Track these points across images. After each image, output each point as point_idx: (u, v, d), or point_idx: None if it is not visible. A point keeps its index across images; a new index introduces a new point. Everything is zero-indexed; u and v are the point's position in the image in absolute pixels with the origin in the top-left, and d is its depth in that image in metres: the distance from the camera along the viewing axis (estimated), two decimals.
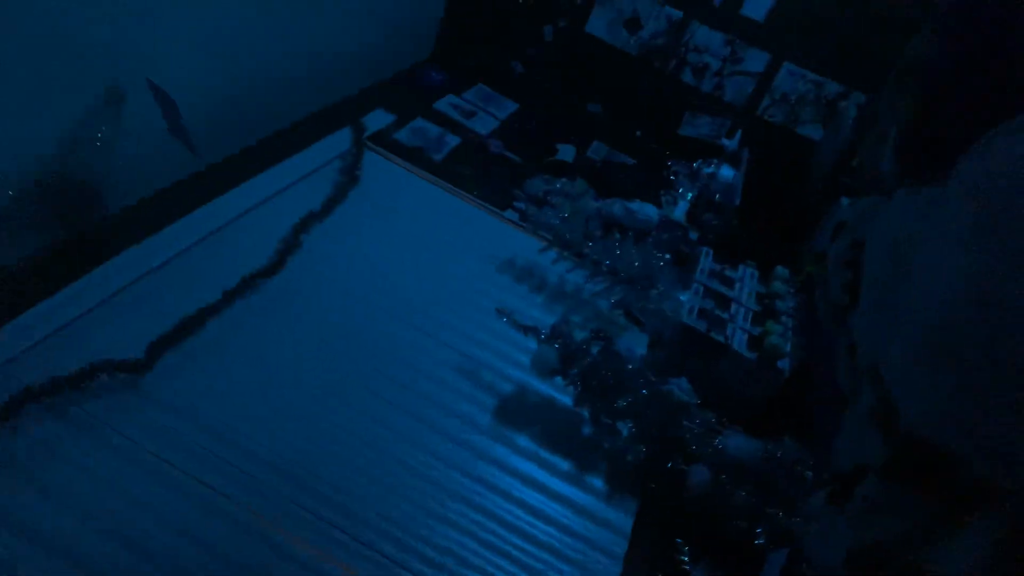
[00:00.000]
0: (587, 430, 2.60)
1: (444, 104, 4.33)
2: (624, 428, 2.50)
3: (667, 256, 3.11)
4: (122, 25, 2.36)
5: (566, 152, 4.26)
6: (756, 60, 4.25)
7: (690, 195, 3.70)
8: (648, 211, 3.55)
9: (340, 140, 3.47)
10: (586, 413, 2.55)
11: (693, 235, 3.44)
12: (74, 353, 2.09)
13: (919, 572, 1.06)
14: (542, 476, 2.39)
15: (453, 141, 4.04)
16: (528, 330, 2.55)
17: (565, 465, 2.47)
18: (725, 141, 4.18)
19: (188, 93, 2.62)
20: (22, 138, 2.15)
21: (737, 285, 2.95)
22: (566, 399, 2.64)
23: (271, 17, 3.15)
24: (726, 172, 3.63)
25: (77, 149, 2.26)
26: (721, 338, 2.63)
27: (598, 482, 2.44)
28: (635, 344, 2.87)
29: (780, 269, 3.02)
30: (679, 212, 3.60)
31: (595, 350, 2.54)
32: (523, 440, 2.50)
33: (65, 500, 1.81)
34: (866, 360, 1.29)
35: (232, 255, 2.65)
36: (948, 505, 1.05)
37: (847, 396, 1.42)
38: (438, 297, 2.92)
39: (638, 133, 4.67)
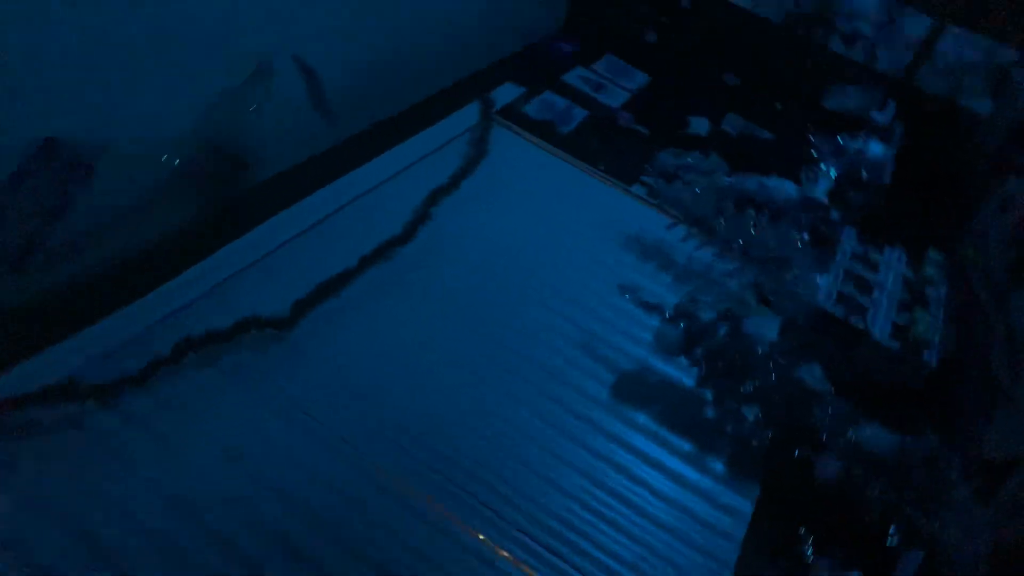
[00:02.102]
0: (710, 412, 2.53)
1: (573, 76, 4.29)
2: (749, 413, 2.41)
3: (805, 236, 2.94)
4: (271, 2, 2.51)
5: (699, 125, 4.11)
6: (916, 24, 3.90)
7: (833, 172, 3.47)
8: (787, 188, 3.36)
9: (469, 114, 3.53)
10: (709, 395, 2.48)
11: (835, 215, 3.23)
12: (227, 309, 2.27)
13: None
14: (663, 456, 2.36)
15: (581, 114, 4.00)
16: (652, 308, 2.50)
17: (686, 446, 2.41)
18: (876, 114, 3.87)
19: (328, 68, 2.76)
20: (182, 109, 2.34)
21: (883, 268, 2.75)
22: (689, 380, 2.58)
23: None
24: (875, 148, 3.37)
25: (231, 121, 2.42)
26: (861, 325, 2.46)
27: (719, 465, 2.38)
28: (766, 327, 2.74)
29: (933, 252, 2.79)
30: (820, 190, 3.39)
31: (722, 331, 2.47)
32: (643, 418, 2.47)
33: (216, 439, 1.98)
34: None
35: (367, 224, 2.77)
36: None
37: (1003, 385, 1.30)
38: (562, 272, 2.92)
39: (778, 106, 4.43)
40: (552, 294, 2.81)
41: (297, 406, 2.13)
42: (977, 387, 2.23)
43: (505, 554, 1.95)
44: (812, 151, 3.84)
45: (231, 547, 1.78)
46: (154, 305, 2.25)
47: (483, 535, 1.98)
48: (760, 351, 2.43)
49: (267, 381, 2.17)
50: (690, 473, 2.34)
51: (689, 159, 3.74)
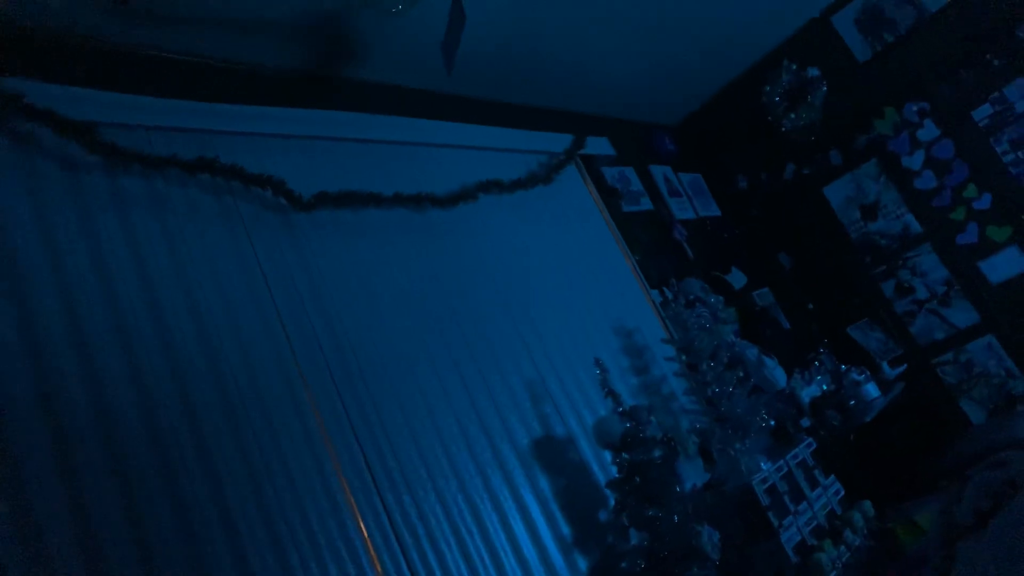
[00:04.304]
0: (603, 516, 2.51)
1: (659, 171, 4.38)
2: (636, 536, 2.39)
3: (771, 423, 2.97)
4: None
5: (737, 278, 4.19)
6: (964, 314, 4.02)
7: (824, 387, 3.53)
8: (778, 374, 3.41)
9: (559, 141, 3.57)
10: (612, 500, 2.46)
11: (805, 422, 3.27)
12: (257, 156, 2.26)
13: None
14: (541, 525, 2.33)
15: (647, 205, 4.07)
16: (612, 395, 2.50)
17: (565, 531, 2.39)
18: (885, 366, 3.96)
19: (477, 27, 2.80)
20: None
21: (819, 491, 2.77)
22: (603, 476, 2.57)
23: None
24: (872, 390, 3.44)
25: (367, 4, 2.43)
26: (776, 524, 2.47)
27: (583, 564, 2.35)
28: (695, 476, 2.76)
29: (868, 504, 2.82)
30: (805, 394, 3.44)
31: (656, 453, 2.46)
32: (544, 484, 2.45)
33: None
34: None
35: (421, 172, 2.79)
36: None
37: None
38: (553, 314, 2.93)
39: (810, 306, 4.53)
40: (531, 329, 2.81)
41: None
42: None
43: (352, 501, 1.91)
44: (815, 360, 3.92)
45: None
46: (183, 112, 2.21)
47: (345, 477, 1.94)
48: (677, 490, 2.42)
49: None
50: (555, 555, 2.31)
51: (712, 299, 3.79)
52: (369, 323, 2.28)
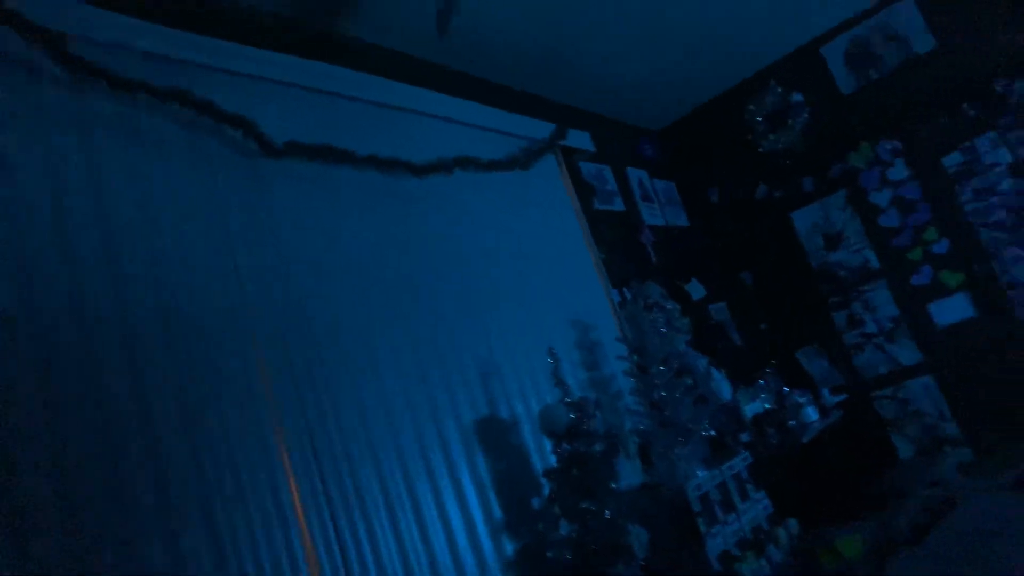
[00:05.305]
0: (536, 503, 2.52)
1: (635, 175, 4.39)
2: (566, 528, 2.40)
3: (712, 433, 3.01)
4: None
5: (696, 289, 4.23)
6: (908, 352, 4.13)
7: (767, 405, 3.59)
8: (724, 387, 3.47)
9: (541, 128, 3.55)
10: (547, 489, 2.47)
11: (744, 436, 3.33)
12: (240, 95, 2.19)
13: None
14: (475, 507, 2.33)
15: (619, 205, 4.08)
16: (561, 385, 2.50)
17: (498, 515, 2.39)
18: (826, 393, 4.05)
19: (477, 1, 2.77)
20: None
21: (749, 504, 2.82)
22: (540, 464, 2.57)
23: None
24: (811, 413, 3.52)
25: None
26: (704, 530, 2.51)
27: (510, 548, 2.35)
28: (631, 475, 2.79)
29: (793, 523, 2.88)
30: (748, 409, 3.50)
31: (597, 448, 2.48)
32: (483, 467, 2.44)
33: None
34: None
35: (403, 138, 2.75)
36: None
37: None
38: (512, 302, 2.91)
39: (763, 326, 4.60)
40: (493, 310, 2.79)
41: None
42: None
43: (288, 463, 1.87)
44: (760, 380, 3.99)
45: None
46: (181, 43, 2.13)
47: (285, 441, 1.90)
48: (613, 487, 2.44)
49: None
50: (485, 537, 2.30)
51: (669, 305, 3.82)
52: (328, 282, 2.23)
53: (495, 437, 2.53)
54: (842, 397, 4.09)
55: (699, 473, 2.67)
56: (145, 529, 1.55)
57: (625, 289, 3.69)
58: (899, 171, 4.14)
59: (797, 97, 4.41)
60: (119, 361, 1.65)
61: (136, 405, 1.64)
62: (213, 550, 1.64)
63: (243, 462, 1.78)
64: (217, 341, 1.86)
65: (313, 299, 2.16)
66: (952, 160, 3.98)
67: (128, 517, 1.53)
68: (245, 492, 1.76)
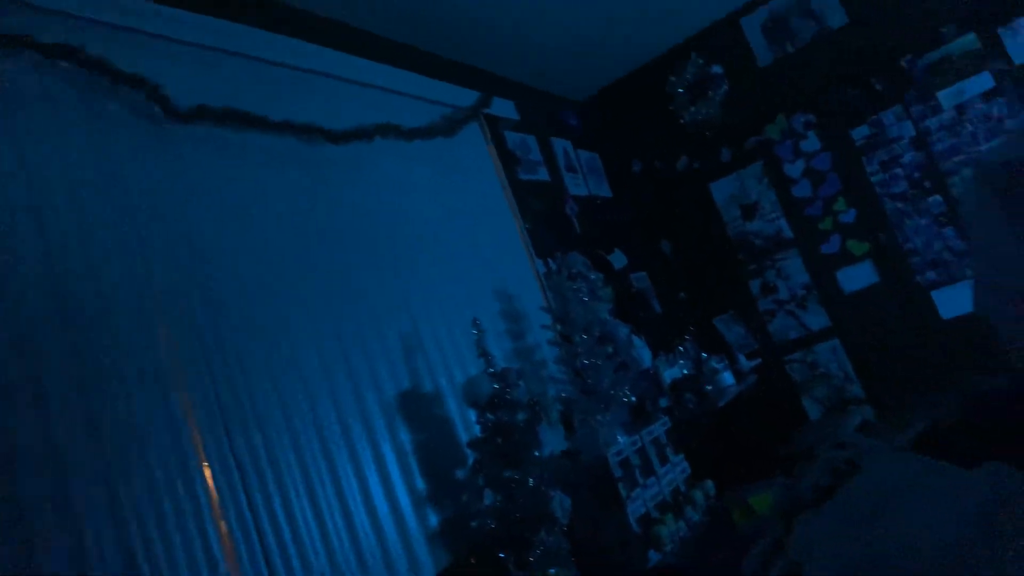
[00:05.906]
0: (460, 474, 2.52)
1: (559, 145, 4.39)
2: (489, 497, 2.42)
3: (633, 399, 3.08)
4: None
5: (618, 259, 4.29)
6: (817, 318, 4.33)
7: (685, 371, 3.70)
8: (644, 354, 3.55)
9: (465, 96, 3.50)
10: (471, 459, 2.47)
11: (663, 402, 3.42)
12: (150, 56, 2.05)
13: None
14: (397, 477, 2.31)
15: (543, 175, 4.08)
16: (485, 355, 2.50)
17: (420, 485, 2.38)
18: (742, 358, 4.21)
19: None
20: None
21: (667, 467, 2.91)
22: (465, 435, 2.57)
23: None
24: (728, 378, 3.64)
25: None
26: (624, 495, 2.57)
27: (434, 520, 2.35)
28: (554, 442, 2.82)
29: (710, 484, 2.99)
30: (667, 375, 3.59)
31: (520, 417, 2.49)
32: (405, 438, 2.42)
33: None
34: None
35: (323, 102, 2.66)
36: None
37: None
38: (435, 273, 2.88)
39: (682, 295, 4.72)
40: (411, 280, 2.75)
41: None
42: None
43: (197, 433, 1.81)
44: (680, 346, 4.10)
45: None
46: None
47: (193, 411, 1.82)
48: (536, 455, 2.46)
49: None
50: (407, 509, 2.29)
51: (592, 275, 3.86)
52: (239, 251, 2.14)
53: (417, 408, 2.51)
54: (757, 362, 4.26)
55: (620, 439, 2.73)
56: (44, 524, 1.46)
57: (550, 259, 3.70)
58: (812, 143, 4.29)
59: (717, 69, 4.49)
60: (4, 343, 1.53)
61: (32, 388, 1.54)
62: (119, 540, 1.56)
63: (150, 442, 1.70)
64: (117, 317, 1.75)
65: (223, 271, 2.07)
66: (860, 133, 4.15)
67: (24, 512, 1.45)
68: (153, 473, 1.68)
